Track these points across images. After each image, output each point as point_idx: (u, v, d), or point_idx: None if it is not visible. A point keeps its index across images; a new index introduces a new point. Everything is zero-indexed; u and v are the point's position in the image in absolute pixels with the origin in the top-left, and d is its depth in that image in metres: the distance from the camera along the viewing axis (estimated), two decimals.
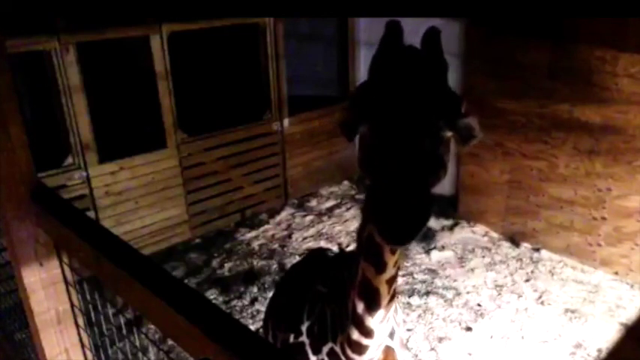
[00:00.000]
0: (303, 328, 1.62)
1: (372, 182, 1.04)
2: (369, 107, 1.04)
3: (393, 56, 1.07)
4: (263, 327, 2.24)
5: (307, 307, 1.65)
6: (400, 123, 0.99)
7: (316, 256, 2.30)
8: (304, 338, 1.60)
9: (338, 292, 1.48)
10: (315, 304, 1.63)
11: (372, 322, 1.32)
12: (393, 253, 1.22)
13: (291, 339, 1.66)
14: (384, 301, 1.28)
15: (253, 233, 5.14)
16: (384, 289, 1.27)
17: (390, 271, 1.25)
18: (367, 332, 1.34)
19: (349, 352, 1.40)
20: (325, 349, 1.50)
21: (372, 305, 1.29)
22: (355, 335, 1.36)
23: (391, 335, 1.56)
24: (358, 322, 1.33)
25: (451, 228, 5.09)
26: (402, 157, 0.96)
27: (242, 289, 4.29)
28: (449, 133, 1.03)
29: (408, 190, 0.93)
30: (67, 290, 1.69)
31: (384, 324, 1.35)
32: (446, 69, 1.09)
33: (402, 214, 0.93)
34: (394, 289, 1.30)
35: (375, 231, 1.05)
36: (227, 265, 4.62)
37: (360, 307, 1.31)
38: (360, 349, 1.38)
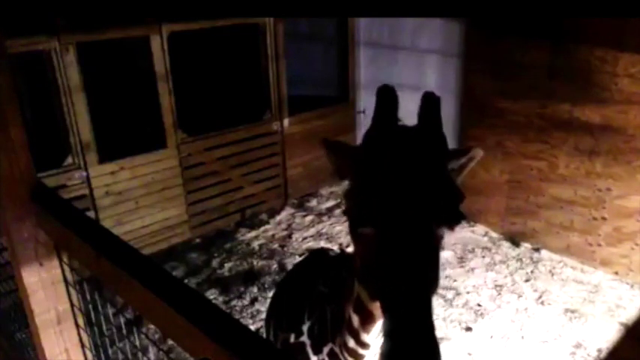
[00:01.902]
0: (304, 328, 1.62)
1: (373, 285, 1.01)
2: (368, 210, 0.98)
3: (388, 143, 1.01)
4: (265, 326, 2.24)
5: (308, 307, 1.65)
6: (403, 235, 0.94)
7: (318, 256, 2.30)
8: (305, 338, 1.60)
9: (339, 292, 1.48)
10: (316, 304, 1.62)
11: (367, 337, 1.29)
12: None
13: (292, 339, 1.65)
14: (380, 319, 1.23)
15: (253, 233, 5.14)
16: (378, 312, 1.21)
17: None
18: (363, 344, 1.32)
19: (347, 355, 1.39)
20: (326, 350, 1.49)
21: (367, 323, 1.26)
22: (351, 344, 1.34)
23: None
24: (354, 333, 1.31)
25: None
26: (408, 282, 0.90)
27: (242, 289, 4.29)
28: (442, 232, 1.00)
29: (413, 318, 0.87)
30: (67, 290, 1.69)
31: (379, 339, 1.31)
32: (445, 146, 1.05)
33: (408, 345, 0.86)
34: None
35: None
36: (227, 265, 4.62)
37: (356, 321, 1.28)
38: (356, 356, 1.37)
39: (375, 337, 1.30)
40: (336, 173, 1.13)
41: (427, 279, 0.93)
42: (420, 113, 1.05)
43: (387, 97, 1.07)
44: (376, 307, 1.18)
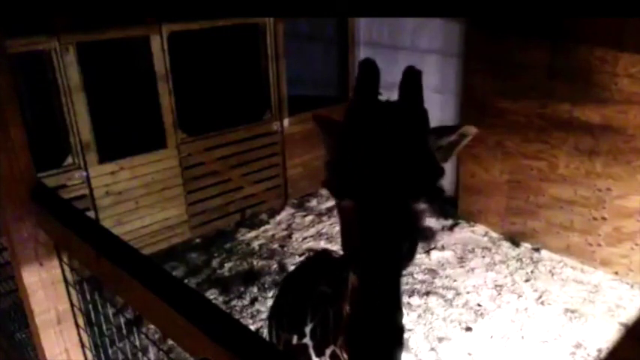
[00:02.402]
0: (307, 329, 1.61)
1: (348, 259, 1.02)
2: (346, 182, 1.00)
3: (367, 117, 1.02)
4: (267, 326, 2.24)
5: (311, 309, 1.64)
6: (378, 208, 0.95)
7: (321, 257, 2.29)
8: (308, 340, 1.59)
9: (342, 293, 1.48)
10: (319, 305, 1.61)
11: None
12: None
13: (295, 340, 1.65)
14: None
15: (253, 233, 5.14)
16: None
17: None
18: None
19: (348, 357, 1.38)
20: (328, 352, 1.48)
21: None
22: None
23: None
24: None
25: (451, 228, 5.09)
26: (379, 254, 0.93)
27: (242, 289, 4.29)
28: (422, 206, 1.01)
29: (380, 289, 0.91)
30: (67, 290, 1.69)
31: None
32: (426, 121, 1.05)
33: (371, 333, 0.90)
34: None
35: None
36: (227, 265, 4.62)
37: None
38: None
39: None
40: (326, 150, 1.13)
41: (399, 250, 0.95)
42: (401, 88, 1.05)
43: (368, 71, 1.07)
44: None
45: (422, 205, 1.01)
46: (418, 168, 0.98)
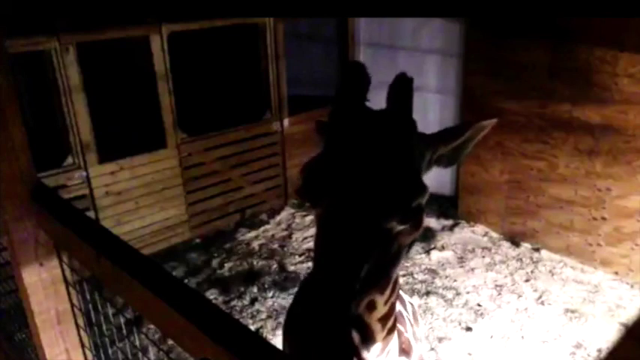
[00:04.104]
0: None
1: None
2: (321, 190, 0.92)
3: (353, 124, 0.94)
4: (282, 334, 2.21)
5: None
6: (340, 225, 0.86)
7: None
8: None
9: None
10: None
11: (368, 355, 1.21)
12: (381, 291, 1.12)
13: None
14: (379, 336, 1.19)
15: (253, 233, 5.14)
16: (376, 327, 1.18)
17: (381, 310, 1.15)
18: None
19: None
20: None
21: (366, 339, 1.20)
22: None
23: (407, 355, 1.48)
24: (355, 351, 1.29)
25: (451, 228, 5.09)
26: (330, 272, 0.84)
27: (242, 289, 4.29)
28: (400, 228, 0.91)
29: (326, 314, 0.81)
30: (67, 290, 1.69)
31: (382, 357, 1.25)
32: (412, 132, 0.96)
33: (314, 337, 0.81)
34: (392, 325, 1.21)
35: None
36: (227, 265, 4.62)
37: (356, 337, 1.22)
38: None
39: (375, 356, 1.21)
40: None
41: (355, 271, 0.85)
42: (389, 95, 0.97)
43: (354, 75, 1.00)
44: (374, 321, 1.15)
45: (398, 227, 0.91)
46: (393, 183, 0.89)
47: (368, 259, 0.86)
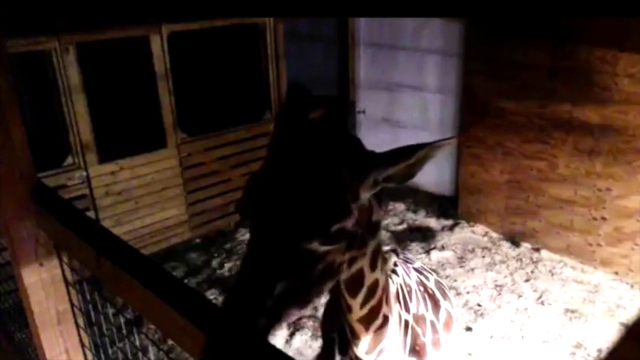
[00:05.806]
0: (335, 336, 1.62)
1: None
2: (250, 208, 0.95)
3: (286, 144, 0.96)
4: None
5: (335, 319, 1.64)
6: (256, 242, 0.89)
7: None
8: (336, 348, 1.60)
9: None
10: (339, 315, 1.62)
11: (357, 351, 1.29)
12: (352, 295, 1.14)
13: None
14: (363, 335, 1.23)
15: None
16: (358, 327, 1.22)
17: (357, 313, 1.19)
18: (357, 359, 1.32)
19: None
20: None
21: (353, 336, 1.26)
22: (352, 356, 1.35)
23: (419, 356, 1.49)
24: (348, 346, 1.32)
25: (451, 228, 5.09)
26: (240, 285, 0.86)
27: None
28: (325, 248, 0.92)
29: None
30: (67, 290, 1.69)
31: (372, 356, 1.30)
32: (347, 153, 0.96)
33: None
34: (379, 326, 1.24)
35: None
36: (227, 265, 4.62)
37: (348, 333, 1.29)
38: None
39: (364, 352, 1.29)
40: None
41: (266, 288, 0.86)
42: (324, 119, 0.99)
43: (294, 95, 1.03)
44: (354, 322, 1.21)
45: (321, 247, 0.91)
46: (314, 206, 0.89)
47: (284, 277, 0.87)
